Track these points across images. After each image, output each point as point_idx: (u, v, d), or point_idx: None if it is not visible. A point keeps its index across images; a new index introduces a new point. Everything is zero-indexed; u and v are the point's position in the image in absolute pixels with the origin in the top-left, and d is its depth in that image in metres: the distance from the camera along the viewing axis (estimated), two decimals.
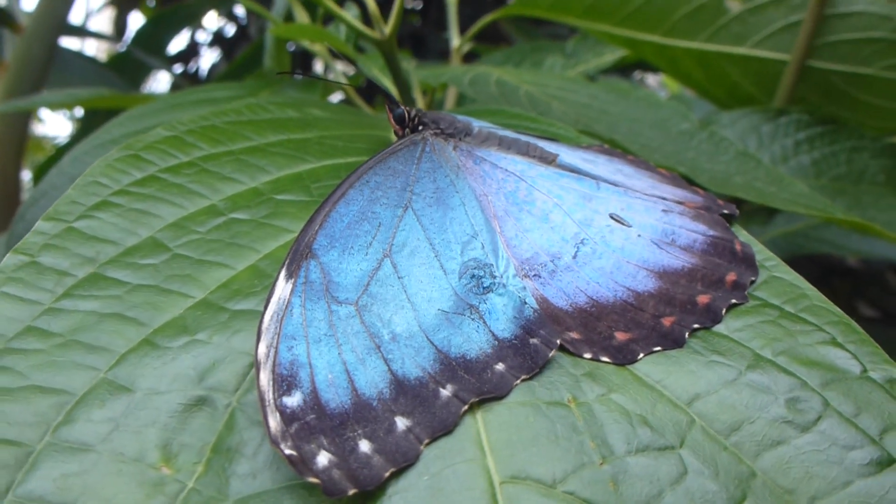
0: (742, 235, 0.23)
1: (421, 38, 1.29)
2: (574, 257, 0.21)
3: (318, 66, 1.15)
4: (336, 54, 0.52)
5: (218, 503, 0.15)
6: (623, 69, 0.87)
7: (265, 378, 0.16)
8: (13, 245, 0.20)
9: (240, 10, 1.38)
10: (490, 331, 0.19)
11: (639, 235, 0.22)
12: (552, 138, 0.28)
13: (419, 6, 1.36)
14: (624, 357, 0.19)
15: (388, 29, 0.36)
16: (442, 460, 0.16)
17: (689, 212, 0.24)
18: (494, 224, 0.22)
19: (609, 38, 0.54)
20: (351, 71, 0.63)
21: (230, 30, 1.48)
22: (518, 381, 0.18)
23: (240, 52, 1.12)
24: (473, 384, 0.17)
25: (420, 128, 0.26)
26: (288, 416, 0.16)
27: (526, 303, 0.19)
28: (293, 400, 0.16)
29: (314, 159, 0.27)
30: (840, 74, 0.47)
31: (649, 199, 0.24)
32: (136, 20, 1.51)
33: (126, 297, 0.19)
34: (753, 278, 0.21)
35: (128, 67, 1.00)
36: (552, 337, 0.19)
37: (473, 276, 0.20)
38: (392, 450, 0.16)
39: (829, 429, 0.17)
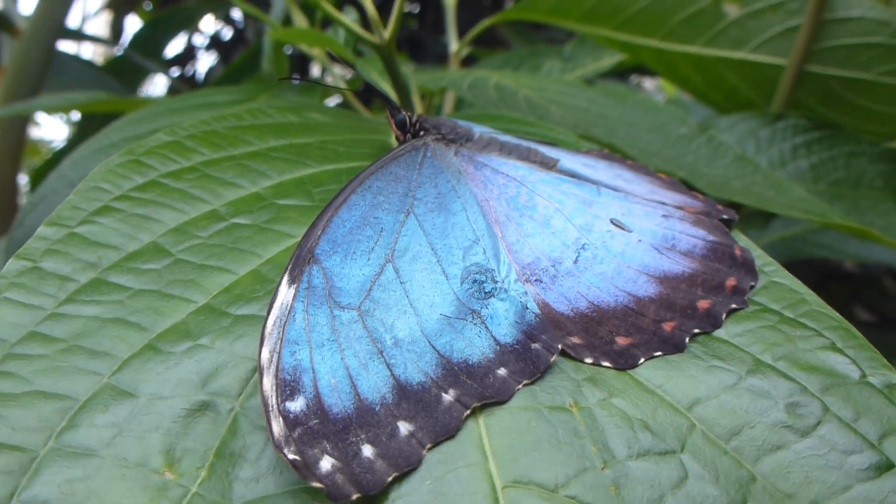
0: (741, 240, 0.23)
1: (418, 41, 1.30)
2: (575, 262, 0.21)
3: (316, 70, 1.15)
4: (334, 58, 0.52)
5: None
6: (620, 73, 0.87)
7: (268, 383, 0.16)
8: (13, 250, 0.20)
9: (237, 14, 1.38)
10: (492, 336, 0.19)
11: (639, 240, 0.22)
12: (552, 143, 0.29)
13: (416, 10, 1.36)
14: (625, 362, 0.19)
15: (387, 33, 0.36)
16: (444, 465, 0.16)
17: (688, 217, 0.24)
18: (496, 229, 0.22)
19: (607, 42, 0.54)
20: (348, 74, 0.63)
21: (227, 33, 1.48)
22: (520, 386, 0.18)
23: (237, 56, 1.12)
24: (475, 389, 0.17)
25: (421, 133, 0.26)
26: (291, 421, 0.16)
27: (527, 308, 0.20)
28: (296, 405, 0.16)
29: (315, 164, 0.27)
30: (838, 79, 0.48)
31: (649, 204, 0.24)
32: (132, 24, 1.52)
33: (128, 303, 0.19)
34: (753, 283, 0.21)
35: (125, 71, 1.00)
36: (554, 342, 0.19)
37: (475, 281, 0.20)
38: (395, 454, 0.16)
39: (828, 433, 0.17)
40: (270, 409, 0.16)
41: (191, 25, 1.28)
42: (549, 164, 0.25)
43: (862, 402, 0.17)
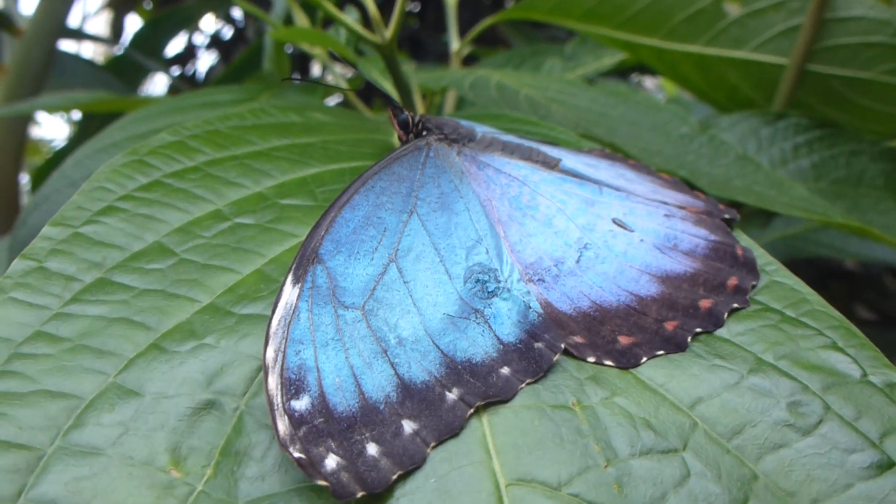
0: (743, 240, 0.23)
1: (419, 40, 1.29)
2: (577, 262, 0.21)
3: (317, 69, 1.16)
4: (335, 57, 0.52)
5: None
6: (621, 72, 0.87)
7: (273, 382, 0.16)
8: (17, 250, 0.20)
9: (237, 13, 1.38)
10: (495, 335, 0.19)
11: (641, 240, 0.22)
12: (554, 143, 0.29)
13: (417, 8, 1.36)
14: (627, 361, 0.19)
15: (388, 33, 0.36)
16: (448, 463, 0.16)
17: (690, 216, 0.24)
18: (498, 229, 0.22)
19: (608, 41, 0.54)
20: (349, 73, 0.63)
21: (227, 32, 1.48)
22: (523, 385, 0.18)
23: (237, 55, 1.12)
24: (479, 388, 0.17)
25: (424, 133, 0.26)
26: (296, 420, 0.16)
27: (530, 307, 0.20)
28: (301, 403, 0.16)
29: (318, 164, 0.27)
30: (839, 78, 0.48)
31: (651, 203, 0.24)
32: (132, 23, 1.52)
33: (133, 302, 0.19)
34: (755, 283, 0.21)
35: (125, 70, 1.00)
36: (556, 341, 0.19)
37: (478, 281, 0.20)
38: (399, 453, 0.16)
39: (829, 432, 0.17)
40: (275, 407, 0.16)
41: (191, 24, 1.28)
42: (551, 164, 0.25)
43: (863, 401, 0.18)
